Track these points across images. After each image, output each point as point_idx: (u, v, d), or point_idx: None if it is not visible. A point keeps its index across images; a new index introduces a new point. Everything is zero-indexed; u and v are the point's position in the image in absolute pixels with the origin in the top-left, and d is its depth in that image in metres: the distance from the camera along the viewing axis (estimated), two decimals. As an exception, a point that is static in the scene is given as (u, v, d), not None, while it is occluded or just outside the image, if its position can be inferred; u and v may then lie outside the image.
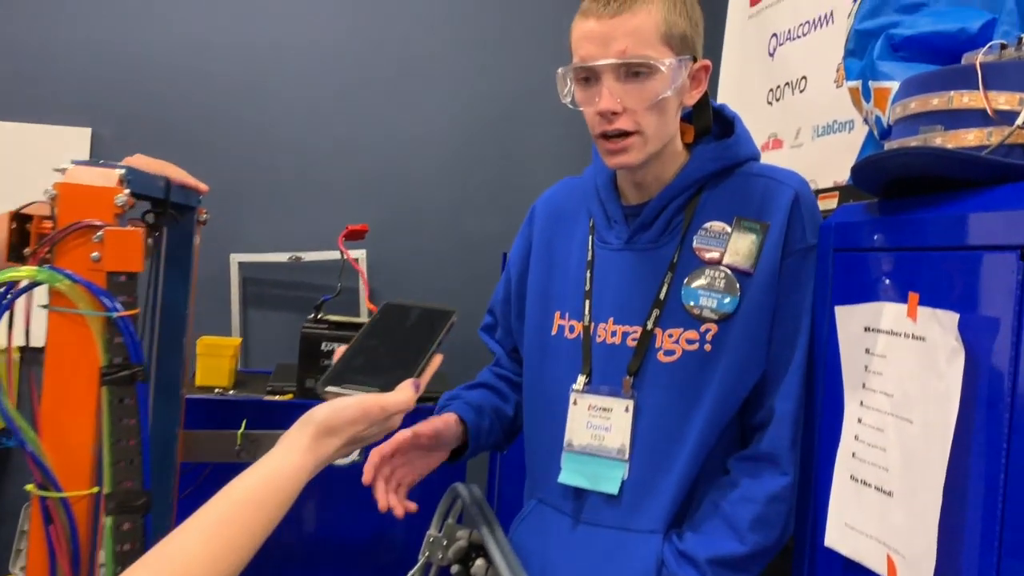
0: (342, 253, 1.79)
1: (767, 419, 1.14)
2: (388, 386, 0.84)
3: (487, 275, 3.13)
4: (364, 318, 1.79)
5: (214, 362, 1.94)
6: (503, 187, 3.25)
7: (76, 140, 2.86)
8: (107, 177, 0.90)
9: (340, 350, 0.90)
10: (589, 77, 1.13)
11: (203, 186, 1.31)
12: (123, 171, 0.92)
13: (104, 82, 2.94)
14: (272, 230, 3.11)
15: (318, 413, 0.81)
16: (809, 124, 2.07)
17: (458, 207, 3.24)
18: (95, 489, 0.97)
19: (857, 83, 1.43)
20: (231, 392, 1.93)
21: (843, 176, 1.96)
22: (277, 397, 1.87)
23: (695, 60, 1.16)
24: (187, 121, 3.01)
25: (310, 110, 3.11)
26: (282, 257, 3.04)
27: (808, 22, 2.12)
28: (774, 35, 2.28)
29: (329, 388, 0.84)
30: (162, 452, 1.38)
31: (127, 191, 0.91)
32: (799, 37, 2.16)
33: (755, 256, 1.14)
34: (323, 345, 1.73)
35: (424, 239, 3.20)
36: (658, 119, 1.13)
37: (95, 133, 2.93)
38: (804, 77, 2.12)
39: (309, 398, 1.77)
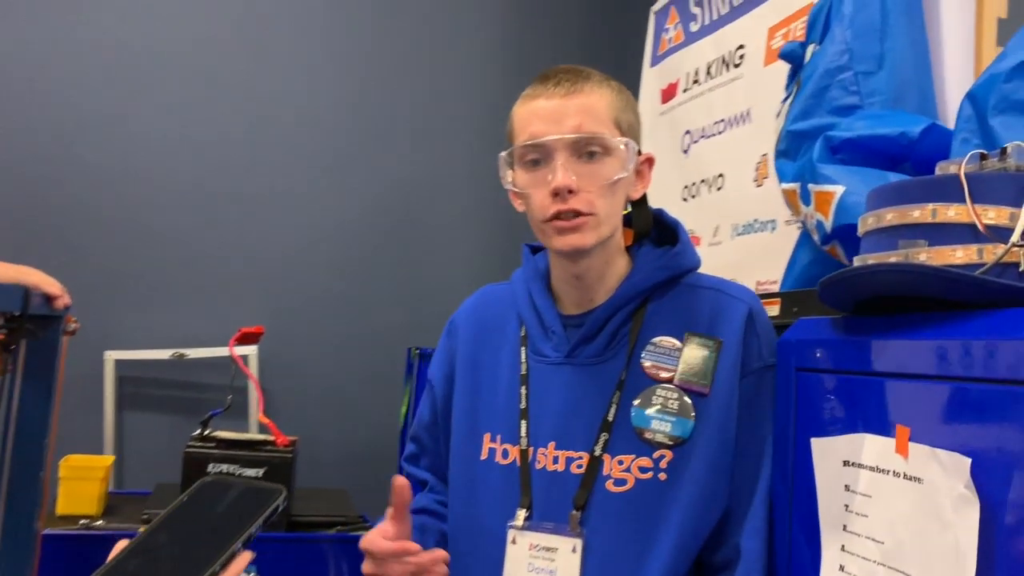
0: (232, 359, 1.59)
1: (732, 558, 1.02)
2: None
3: (391, 373, 2.95)
4: (260, 434, 1.59)
5: (81, 487, 1.68)
6: (407, 278, 3.11)
7: (-69, 228, 2.58)
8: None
9: (120, 544, 0.70)
10: (539, 159, 1.05)
11: (64, 296, 1.11)
12: (-36, 286, 0.74)
13: (-34, 164, 2.68)
14: (153, 324, 2.86)
15: None
16: (728, 222, 2.03)
17: (359, 300, 3.07)
18: None
19: (794, 185, 1.38)
20: (99, 522, 1.67)
21: (765, 276, 1.91)
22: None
23: (640, 152, 1.10)
24: (58, 206, 2.75)
25: (195, 195, 2.90)
26: (164, 354, 2.79)
27: (723, 120, 2.09)
28: (687, 132, 2.25)
29: None
30: (8, 611, 1.14)
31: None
32: (714, 135, 2.13)
33: (710, 375, 1.04)
34: (210, 467, 1.51)
35: (322, 335, 3.00)
36: (611, 203, 1.06)
37: (-46, 220, 2.65)
38: (721, 175, 2.08)
39: (193, 529, 1.53)
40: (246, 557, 0.70)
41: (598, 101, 1.05)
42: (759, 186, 1.93)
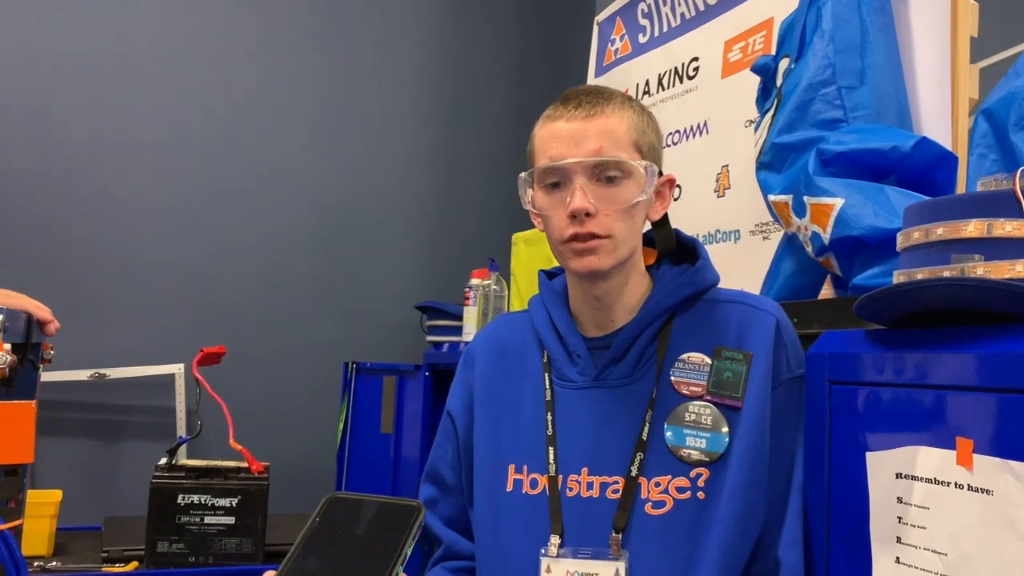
0: (198, 383, 1.50)
1: (770, 570, 1.02)
2: None
3: (327, 390, 2.86)
4: (233, 460, 1.49)
5: (30, 525, 1.54)
6: (341, 291, 3.02)
7: None
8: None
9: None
10: (559, 181, 1.05)
11: (54, 320, 1.02)
12: (0, 316, 0.64)
13: None
14: (69, 342, 2.67)
15: None
16: (687, 232, 2.04)
17: (291, 313, 2.96)
18: None
19: (785, 197, 1.39)
20: (54, 563, 1.54)
21: (729, 286, 1.94)
22: (118, 568, 1.50)
23: (661, 173, 1.09)
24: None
25: (113, 203, 2.74)
26: (82, 375, 2.61)
27: (679, 131, 2.11)
28: (641, 142, 2.26)
29: None
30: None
31: (7, 346, 0.64)
32: (669, 146, 2.15)
33: (742, 388, 1.05)
34: (180, 498, 1.41)
35: (252, 349, 2.88)
36: (629, 226, 1.06)
37: None
38: (678, 185, 2.10)
39: (163, 566, 1.44)
40: None
41: (619, 124, 1.05)
42: (720, 197, 1.96)
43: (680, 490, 1.02)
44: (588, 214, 1.02)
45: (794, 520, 1.03)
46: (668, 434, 1.04)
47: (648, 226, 1.16)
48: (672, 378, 1.07)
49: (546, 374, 1.12)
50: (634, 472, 1.03)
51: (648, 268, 1.16)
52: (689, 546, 1.00)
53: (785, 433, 1.05)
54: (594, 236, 1.03)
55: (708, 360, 1.07)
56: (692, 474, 1.02)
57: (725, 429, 1.03)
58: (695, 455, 1.03)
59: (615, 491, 1.03)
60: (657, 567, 1.00)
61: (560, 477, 1.06)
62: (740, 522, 1.01)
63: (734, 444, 1.03)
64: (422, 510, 0.75)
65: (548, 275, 1.22)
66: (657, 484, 1.02)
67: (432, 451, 1.23)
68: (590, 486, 1.04)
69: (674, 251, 1.18)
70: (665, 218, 1.17)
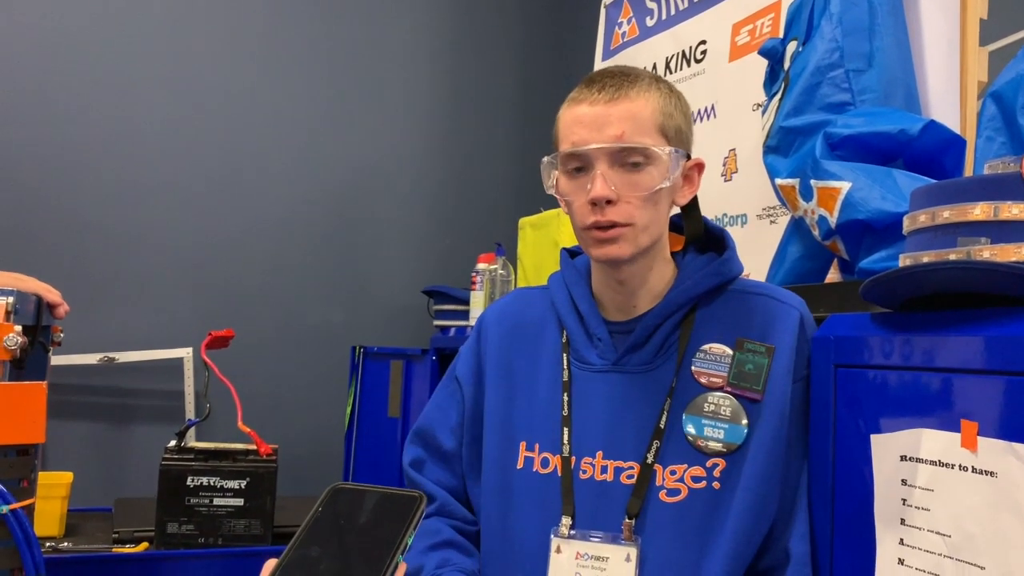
0: (206, 366, 1.51)
1: (781, 562, 1.02)
2: None
3: (334, 373, 2.88)
4: (241, 443, 1.51)
5: (42, 506, 1.56)
6: (347, 276, 3.03)
7: None
8: (-11, 308, 0.63)
9: (269, 565, 0.71)
10: (581, 166, 1.03)
11: (64, 304, 1.03)
12: (11, 298, 0.65)
13: None
14: (78, 326, 2.69)
15: None
16: (694, 216, 2.04)
17: (299, 297, 2.97)
18: None
19: (792, 181, 1.39)
20: (65, 544, 1.55)
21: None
22: (128, 548, 1.52)
23: (688, 157, 1.07)
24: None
25: (120, 186, 2.75)
26: (91, 358, 2.63)
27: (686, 115, 2.11)
28: (648, 126, 2.25)
29: None
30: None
31: (18, 327, 0.64)
32: (676, 129, 2.14)
33: (762, 381, 1.04)
34: (189, 480, 1.42)
35: (261, 333, 2.89)
36: (652, 212, 1.04)
37: None
38: (685, 169, 2.09)
39: (173, 547, 1.45)
40: (403, 568, 0.68)
41: (643, 108, 1.02)
42: (728, 181, 1.96)
43: (695, 479, 1.01)
44: (609, 201, 1.01)
45: (802, 513, 1.03)
46: (686, 423, 1.03)
47: (676, 210, 1.15)
48: (693, 368, 1.06)
49: (564, 354, 1.11)
50: (650, 459, 1.02)
51: (673, 255, 1.14)
52: (702, 535, 1.00)
53: (801, 425, 1.05)
54: (615, 225, 1.02)
55: (730, 351, 1.05)
56: (708, 464, 1.02)
57: (744, 421, 1.03)
58: (713, 445, 1.02)
59: (629, 476, 1.03)
60: (669, 554, 1.00)
61: (573, 459, 1.05)
62: (754, 513, 1.00)
63: (752, 436, 1.02)
64: (423, 501, 0.76)
65: (570, 253, 1.20)
66: (673, 472, 1.02)
67: (429, 412, 1.21)
68: (604, 470, 1.04)
69: (701, 238, 1.16)
70: (694, 203, 1.14)
